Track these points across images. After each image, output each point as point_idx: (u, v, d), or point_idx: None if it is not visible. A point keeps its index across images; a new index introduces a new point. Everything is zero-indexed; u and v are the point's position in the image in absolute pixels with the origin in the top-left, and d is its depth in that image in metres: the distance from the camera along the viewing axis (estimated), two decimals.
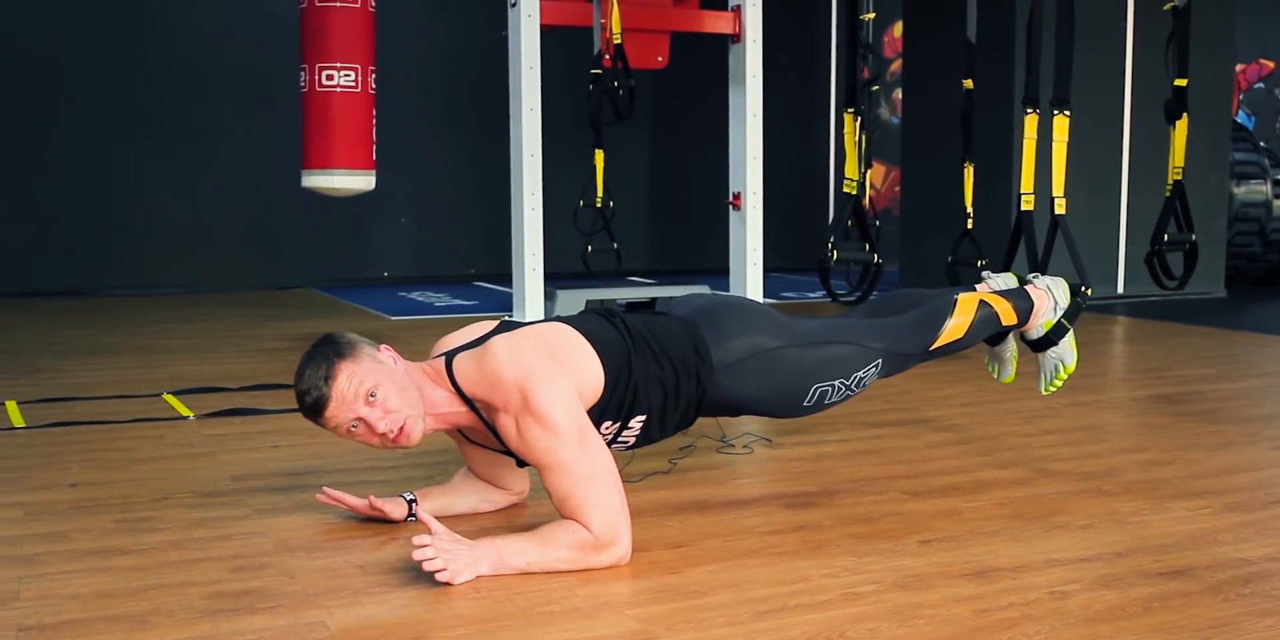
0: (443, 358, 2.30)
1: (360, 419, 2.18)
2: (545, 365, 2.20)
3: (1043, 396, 3.24)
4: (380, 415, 2.18)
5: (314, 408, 2.19)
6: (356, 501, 2.42)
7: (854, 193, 3.74)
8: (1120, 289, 7.08)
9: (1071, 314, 2.90)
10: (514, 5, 5.94)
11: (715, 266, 7.50)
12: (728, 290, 6.72)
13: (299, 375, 2.21)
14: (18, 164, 7.44)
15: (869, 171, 3.95)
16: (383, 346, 2.29)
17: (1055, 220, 3.11)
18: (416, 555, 2.02)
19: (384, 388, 2.18)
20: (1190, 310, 5.48)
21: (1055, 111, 3.09)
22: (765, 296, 6.70)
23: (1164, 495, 2.70)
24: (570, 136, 6.81)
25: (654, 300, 6.59)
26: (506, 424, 2.19)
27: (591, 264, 6.68)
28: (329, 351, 2.20)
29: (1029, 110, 3.21)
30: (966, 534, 2.40)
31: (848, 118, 3.80)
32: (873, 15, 3.80)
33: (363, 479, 2.83)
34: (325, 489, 2.44)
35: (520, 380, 2.15)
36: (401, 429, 2.19)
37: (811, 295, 7.66)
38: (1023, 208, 3.18)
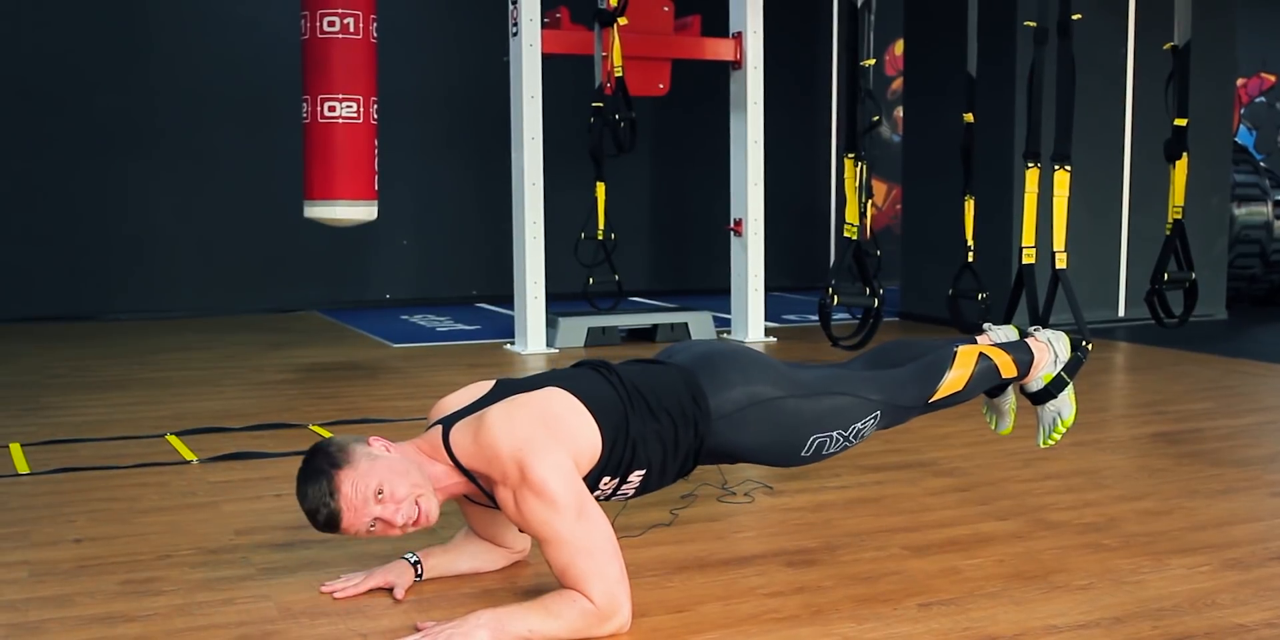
0: (439, 427, 2.31)
1: (377, 519, 2.20)
2: (541, 436, 2.21)
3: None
4: (394, 509, 2.19)
5: (329, 523, 2.21)
6: (361, 587, 2.43)
7: (854, 237, 3.75)
8: (1121, 312, 7.10)
9: (1071, 368, 2.92)
10: (515, 34, 5.96)
11: (717, 287, 7.51)
12: (729, 314, 6.75)
13: (302, 495, 2.22)
14: (20, 188, 7.45)
15: (870, 212, 3.98)
16: (372, 439, 2.30)
17: (1056, 275, 3.12)
18: None
19: (388, 481, 2.19)
20: (1191, 334, 5.49)
21: (1056, 167, 3.10)
22: (766, 320, 6.71)
23: (1163, 550, 2.71)
24: (573, 156, 6.81)
25: (655, 326, 6.62)
26: (505, 496, 2.20)
27: (593, 296, 6.69)
28: (324, 465, 2.21)
29: (1030, 164, 3.22)
30: (966, 596, 2.41)
31: (848, 163, 3.81)
32: (872, 61, 3.83)
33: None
34: (329, 587, 2.44)
35: (516, 453, 2.16)
36: (419, 510, 2.21)
37: (812, 318, 7.67)
38: (1024, 261, 3.19)
